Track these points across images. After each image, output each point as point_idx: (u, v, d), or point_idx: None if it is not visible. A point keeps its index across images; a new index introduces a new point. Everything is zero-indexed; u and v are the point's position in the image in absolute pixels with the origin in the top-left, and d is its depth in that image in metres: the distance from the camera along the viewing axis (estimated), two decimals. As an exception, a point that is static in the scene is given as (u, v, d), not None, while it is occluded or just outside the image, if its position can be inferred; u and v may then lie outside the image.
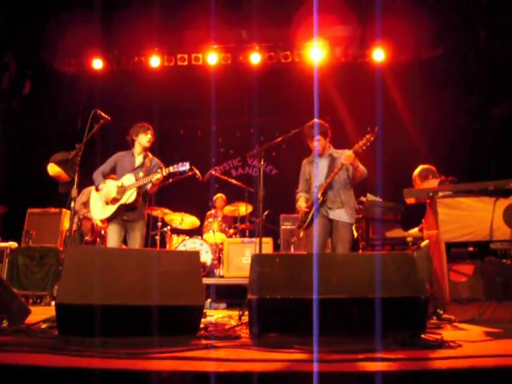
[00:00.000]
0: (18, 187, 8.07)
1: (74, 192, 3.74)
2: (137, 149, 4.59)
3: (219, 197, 7.33)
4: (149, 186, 4.41)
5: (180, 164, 4.30)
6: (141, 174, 4.43)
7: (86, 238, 6.06)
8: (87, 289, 2.45)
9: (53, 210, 6.34)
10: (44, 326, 2.69)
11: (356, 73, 8.02)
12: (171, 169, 4.29)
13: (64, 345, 2.01)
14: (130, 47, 8.44)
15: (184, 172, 4.48)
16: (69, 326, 2.38)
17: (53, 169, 5.68)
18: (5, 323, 2.63)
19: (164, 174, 4.28)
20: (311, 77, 7.69)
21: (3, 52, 8.28)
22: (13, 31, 7.94)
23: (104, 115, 4.03)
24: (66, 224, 6.16)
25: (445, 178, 4.52)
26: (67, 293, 2.42)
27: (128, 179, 4.43)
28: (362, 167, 4.15)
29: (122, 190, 4.40)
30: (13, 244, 6.00)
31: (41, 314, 3.14)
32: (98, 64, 8.54)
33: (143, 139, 4.54)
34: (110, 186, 4.49)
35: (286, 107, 8.12)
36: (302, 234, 6.07)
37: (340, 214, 4.11)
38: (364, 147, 3.99)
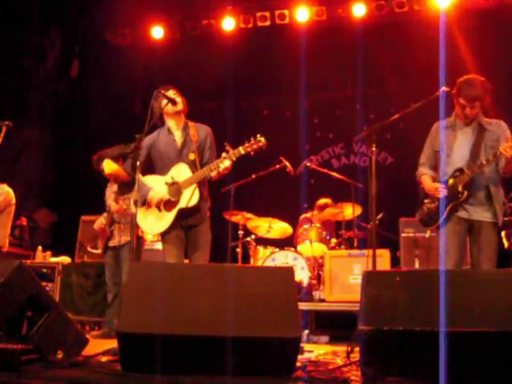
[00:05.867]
0: (67, 189, 8.61)
1: (134, 195, 3.66)
2: (170, 123, 4.29)
3: (325, 202, 7.18)
4: (213, 174, 4.09)
5: (253, 141, 4.03)
6: (191, 156, 4.16)
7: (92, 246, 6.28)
8: (153, 315, 2.58)
9: (109, 216, 6.71)
10: (104, 359, 2.89)
11: (501, 18, 7.61)
12: (241, 150, 4.01)
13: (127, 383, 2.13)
14: (196, 8, 8.67)
15: (260, 149, 4.05)
16: (134, 359, 2.53)
17: (109, 166, 5.58)
18: (59, 355, 2.82)
19: (234, 158, 4.01)
20: (436, 29, 7.42)
21: (47, 28, 8.87)
22: (57, 3, 8.52)
23: (169, 95, 4.08)
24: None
25: None
26: (130, 320, 2.57)
27: (179, 171, 4.11)
28: None
29: (175, 189, 4.06)
30: (65, 259, 6.44)
31: (100, 344, 3.36)
32: (157, 32, 8.88)
33: (168, 105, 4.12)
34: (157, 186, 4.14)
35: (404, 73, 7.96)
36: (428, 234, 5.75)
37: (484, 213, 3.93)
38: None
